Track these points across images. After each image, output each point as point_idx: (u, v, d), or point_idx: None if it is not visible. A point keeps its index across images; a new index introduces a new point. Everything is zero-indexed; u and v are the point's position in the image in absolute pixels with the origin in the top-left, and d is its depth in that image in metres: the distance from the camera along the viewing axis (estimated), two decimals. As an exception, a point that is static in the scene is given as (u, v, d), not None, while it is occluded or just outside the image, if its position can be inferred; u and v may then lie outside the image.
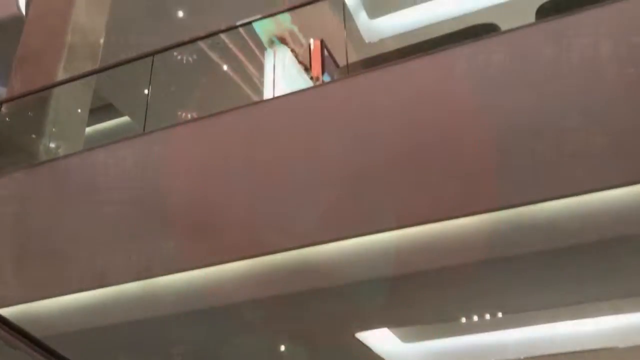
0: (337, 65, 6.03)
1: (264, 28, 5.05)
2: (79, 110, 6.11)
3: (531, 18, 4.19)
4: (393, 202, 3.53)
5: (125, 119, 9.79)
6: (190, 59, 7.09)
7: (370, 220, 3.55)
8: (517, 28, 3.80)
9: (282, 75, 4.59)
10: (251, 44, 7.17)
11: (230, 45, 7.28)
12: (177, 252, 4.03)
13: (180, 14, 7.70)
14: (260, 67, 7.52)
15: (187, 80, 7.81)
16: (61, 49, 6.10)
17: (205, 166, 4.25)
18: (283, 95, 4.46)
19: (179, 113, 7.48)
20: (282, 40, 4.96)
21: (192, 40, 5.63)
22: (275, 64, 4.66)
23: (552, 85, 3.54)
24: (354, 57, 7.95)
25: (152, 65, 5.08)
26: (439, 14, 7.58)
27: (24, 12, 7.50)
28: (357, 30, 7.93)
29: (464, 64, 3.89)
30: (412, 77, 3.99)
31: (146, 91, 8.60)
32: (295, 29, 5.46)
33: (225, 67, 7.62)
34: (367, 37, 8.03)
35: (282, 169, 3.99)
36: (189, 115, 7.42)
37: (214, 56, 7.38)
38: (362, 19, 8.02)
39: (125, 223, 4.30)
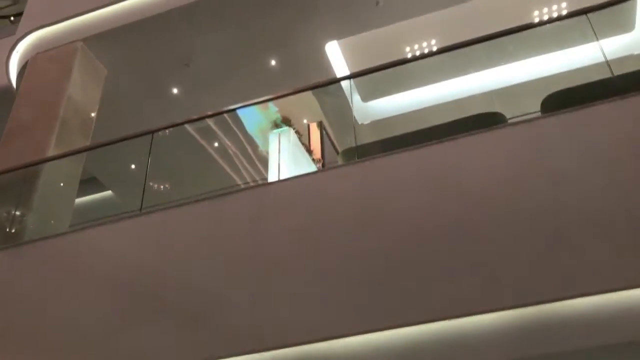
0: (337, 150, 6.00)
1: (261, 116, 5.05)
2: (67, 186, 5.89)
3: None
4: (403, 297, 3.34)
5: (107, 193, 9.55)
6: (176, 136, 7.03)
7: (378, 317, 3.34)
8: (532, 119, 3.79)
9: (287, 157, 4.49)
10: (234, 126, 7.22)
11: (214, 127, 7.27)
12: (172, 343, 3.73)
13: (175, 91, 7.66)
14: (241, 148, 7.53)
15: (173, 157, 7.70)
16: (54, 122, 5.96)
17: (206, 252, 4.03)
18: (289, 179, 4.34)
19: (154, 185, 7.31)
20: (286, 121, 4.91)
21: (189, 121, 5.58)
22: (281, 146, 4.57)
23: (571, 178, 3.49)
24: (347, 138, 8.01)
25: (152, 142, 4.94)
26: (431, 99, 7.70)
27: (14, 84, 7.39)
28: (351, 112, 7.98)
29: (476, 152, 3.84)
30: (422, 164, 3.92)
31: (133, 166, 8.47)
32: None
33: (207, 147, 7.56)
34: (360, 118, 8.08)
35: (287, 258, 3.79)
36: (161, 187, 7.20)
37: (197, 135, 7.32)
38: (355, 101, 8.09)
39: (117, 310, 4.01)
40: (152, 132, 5.09)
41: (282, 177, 4.49)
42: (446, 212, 3.56)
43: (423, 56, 6.89)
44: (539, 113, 4.21)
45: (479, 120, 4.72)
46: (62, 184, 5.90)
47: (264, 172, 7.37)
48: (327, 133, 6.00)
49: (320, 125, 5.87)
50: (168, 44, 7.18)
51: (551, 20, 6.40)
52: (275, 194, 4.21)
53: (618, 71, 4.29)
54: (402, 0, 6.66)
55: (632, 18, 6.98)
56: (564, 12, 6.98)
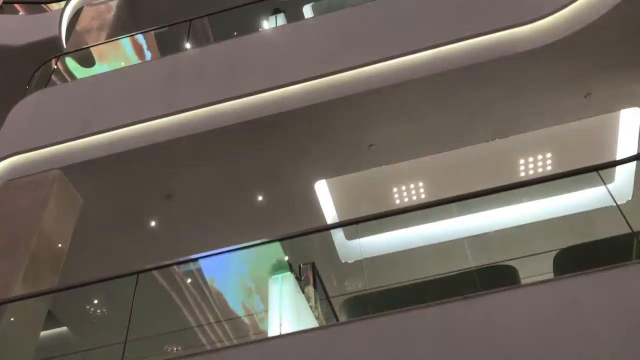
0: (327, 297, 5.66)
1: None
2: (31, 326, 5.27)
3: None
4: None
5: (63, 329, 8.73)
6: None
7: None
8: (561, 277, 3.62)
9: (289, 305, 4.13)
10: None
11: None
12: None
13: (153, 223, 7.29)
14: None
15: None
16: (23, 257, 5.45)
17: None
18: (293, 333, 3.94)
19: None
20: (288, 266, 4.60)
21: (178, 263, 5.20)
22: (282, 293, 4.21)
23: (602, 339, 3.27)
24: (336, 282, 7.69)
25: (136, 285, 4.49)
26: (418, 240, 7.56)
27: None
28: (334, 250, 7.75)
29: (504, 309, 3.61)
30: (446, 321, 3.63)
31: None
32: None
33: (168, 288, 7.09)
34: (344, 256, 7.83)
35: None
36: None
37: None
38: (338, 239, 7.88)
39: None
40: (138, 272, 4.67)
41: (284, 331, 4.07)
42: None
43: (411, 209, 6.88)
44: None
45: (489, 273, 4.55)
46: (25, 323, 5.29)
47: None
48: (319, 277, 5.67)
49: (313, 268, 5.55)
50: (149, 175, 6.92)
51: (537, 181, 6.52)
52: (279, 352, 3.78)
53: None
54: (393, 145, 6.71)
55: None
56: (549, 162, 7.18)
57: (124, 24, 9.20)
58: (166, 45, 8.85)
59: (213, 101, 6.52)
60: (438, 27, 6.17)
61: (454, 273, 4.71)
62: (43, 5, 10.91)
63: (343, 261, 7.92)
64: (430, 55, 6.03)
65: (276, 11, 7.91)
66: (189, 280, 7.27)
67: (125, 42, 8.61)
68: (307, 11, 9.43)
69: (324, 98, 6.28)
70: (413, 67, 6.09)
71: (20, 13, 11.75)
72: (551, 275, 4.25)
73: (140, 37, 8.84)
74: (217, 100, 6.52)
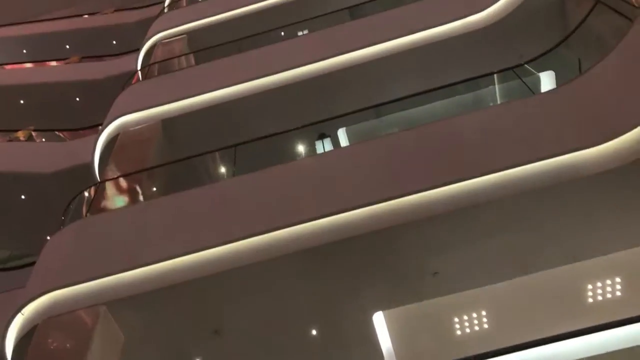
0: None
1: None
2: None
3: None
4: None
5: None
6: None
7: None
8: None
9: None
10: None
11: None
12: None
13: (196, 364, 6.72)
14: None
15: None
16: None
17: None
18: None
19: None
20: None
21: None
22: None
23: None
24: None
25: None
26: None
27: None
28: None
29: None
30: None
31: None
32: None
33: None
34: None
35: None
36: None
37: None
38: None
39: None
40: None
41: None
42: None
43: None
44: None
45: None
46: None
47: None
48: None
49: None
50: (196, 310, 6.47)
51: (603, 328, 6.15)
52: None
53: None
54: (459, 272, 6.36)
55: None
56: (618, 287, 6.78)
57: (163, 150, 9.16)
58: (207, 170, 8.76)
59: (268, 229, 6.23)
60: (504, 150, 6.05)
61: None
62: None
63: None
64: (498, 178, 5.85)
65: (322, 136, 7.88)
66: None
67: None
68: (341, 135, 9.49)
69: (384, 224, 6.01)
70: (479, 192, 5.90)
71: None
72: None
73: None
74: (272, 228, 6.23)
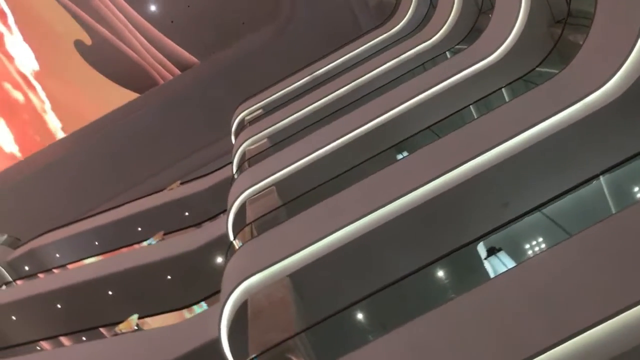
0: None
1: None
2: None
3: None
4: None
5: None
6: None
7: None
8: None
9: None
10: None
11: None
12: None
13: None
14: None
15: None
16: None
17: None
18: None
19: None
20: None
21: None
22: None
23: None
24: None
25: None
26: None
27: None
28: None
29: None
30: None
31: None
32: None
33: None
34: None
35: None
36: None
37: None
38: None
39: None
40: None
41: None
42: None
43: None
44: None
45: None
46: None
47: None
48: None
49: None
50: None
51: None
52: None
53: None
54: None
55: None
56: None
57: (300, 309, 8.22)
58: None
59: None
60: None
61: None
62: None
63: None
64: None
65: (491, 251, 6.90)
66: None
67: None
68: (481, 249, 8.56)
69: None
70: None
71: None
72: None
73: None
74: None
